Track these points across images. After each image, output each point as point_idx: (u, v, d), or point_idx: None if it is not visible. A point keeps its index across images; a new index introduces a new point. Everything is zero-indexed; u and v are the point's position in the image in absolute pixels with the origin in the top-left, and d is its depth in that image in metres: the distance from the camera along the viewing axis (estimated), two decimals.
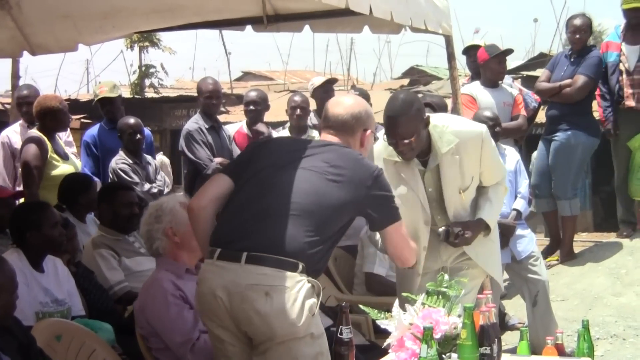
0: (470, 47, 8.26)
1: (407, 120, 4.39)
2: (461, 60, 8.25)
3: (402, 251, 3.95)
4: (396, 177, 4.59)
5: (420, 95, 8.26)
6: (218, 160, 6.97)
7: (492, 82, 7.63)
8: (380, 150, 4.62)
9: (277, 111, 8.45)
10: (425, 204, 4.65)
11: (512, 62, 8.24)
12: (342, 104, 4.05)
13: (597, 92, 8.12)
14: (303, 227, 3.62)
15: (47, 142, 6.64)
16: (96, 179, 7.12)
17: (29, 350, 3.44)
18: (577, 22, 8.05)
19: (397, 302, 3.52)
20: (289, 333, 3.56)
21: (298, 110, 7.57)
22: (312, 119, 7.68)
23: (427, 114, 4.47)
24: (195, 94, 7.92)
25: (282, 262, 3.57)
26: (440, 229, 4.61)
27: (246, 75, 23.20)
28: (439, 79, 16.06)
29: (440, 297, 3.52)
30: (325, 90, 7.74)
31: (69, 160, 6.88)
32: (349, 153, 3.86)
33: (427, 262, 4.70)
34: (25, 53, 6.67)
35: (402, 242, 3.93)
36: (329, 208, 3.68)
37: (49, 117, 6.73)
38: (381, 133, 4.60)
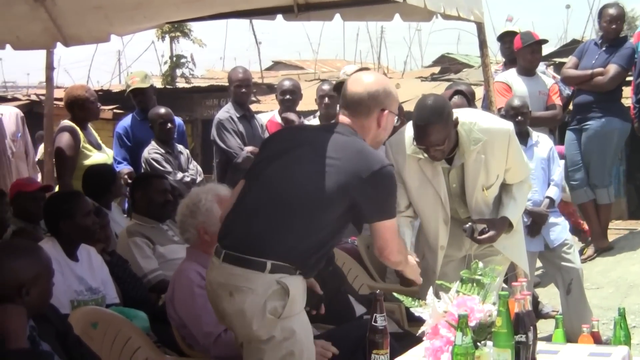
0: (505, 33, 8.19)
1: (439, 128, 4.33)
2: (492, 48, 8.19)
3: (389, 246, 3.78)
4: (419, 174, 4.60)
5: (450, 83, 8.25)
6: (249, 149, 6.97)
7: (526, 71, 7.58)
8: (405, 145, 4.57)
9: (307, 100, 8.44)
10: (446, 203, 4.63)
11: (544, 49, 8.14)
12: (360, 81, 3.84)
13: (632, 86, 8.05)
14: (278, 223, 3.59)
15: (80, 132, 6.69)
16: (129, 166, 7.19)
17: (66, 338, 3.49)
18: (613, 11, 7.96)
19: (431, 289, 3.51)
20: (246, 335, 3.61)
21: (326, 99, 7.55)
22: None
23: (455, 115, 4.42)
24: (226, 84, 7.94)
25: (250, 261, 3.56)
26: (466, 225, 4.59)
27: (277, 65, 23.16)
28: (470, 66, 15.95)
29: (474, 284, 3.50)
30: None
31: (101, 149, 6.94)
32: (350, 142, 3.69)
33: (450, 249, 4.73)
34: (59, 44, 6.73)
35: (391, 238, 3.77)
36: (313, 200, 3.59)
37: (76, 107, 6.78)
38: (408, 129, 4.57)
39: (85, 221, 4.72)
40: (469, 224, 4.59)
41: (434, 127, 4.31)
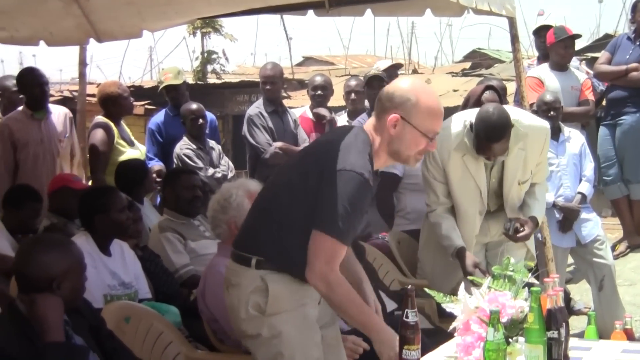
0: (542, 27, 8.14)
1: (505, 141, 4.62)
2: (524, 43, 8.15)
3: (312, 263, 3.39)
4: (461, 168, 4.79)
5: (481, 79, 8.23)
6: (278, 144, 6.98)
7: (559, 66, 7.54)
8: (450, 142, 4.74)
9: (338, 96, 8.46)
10: (485, 195, 4.86)
11: (576, 44, 8.08)
12: (392, 83, 3.65)
13: None
14: (261, 219, 3.58)
15: (114, 128, 6.73)
16: (160, 162, 7.23)
17: (98, 332, 3.50)
18: None
19: (462, 285, 3.50)
20: (237, 329, 3.65)
21: (353, 95, 7.60)
22: None
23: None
24: (257, 80, 7.96)
25: (238, 256, 3.59)
26: (508, 224, 4.83)
27: (307, 60, 23.20)
28: (502, 61, 15.88)
29: (506, 280, 3.49)
30: (389, 75, 7.67)
31: (134, 146, 6.97)
32: (338, 140, 3.45)
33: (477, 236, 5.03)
34: (92, 40, 6.77)
35: (317, 254, 3.37)
36: (287, 197, 3.49)
37: (109, 104, 6.81)
38: (453, 125, 4.73)
39: (120, 216, 4.76)
40: (511, 222, 4.82)
41: (502, 141, 4.61)
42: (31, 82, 6.55)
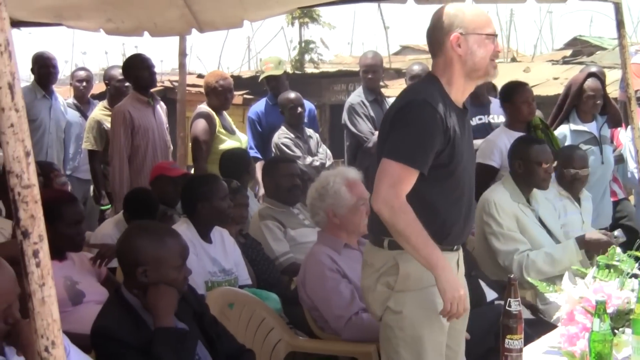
0: None
1: None
2: (627, 29, 7.96)
3: (376, 187, 3.34)
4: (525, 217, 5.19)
5: (583, 67, 8.06)
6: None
7: None
8: (506, 197, 5.19)
9: None
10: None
11: None
12: (429, 23, 3.50)
13: None
14: None
15: (216, 117, 6.81)
16: (258, 154, 7.30)
17: (202, 318, 3.53)
18: None
19: (566, 274, 3.46)
20: (369, 310, 3.65)
21: None
22: None
23: None
24: (354, 69, 7.97)
25: (373, 237, 3.58)
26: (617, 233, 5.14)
27: (404, 49, 23.01)
28: (604, 49, 15.51)
29: (611, 270, 3.43)
30: None
31: (235, 135, 7.05)
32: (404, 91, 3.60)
33: None
34: (194, 30, 6.85)
35: (381, 180, 3.32)
36: None
37: (210, 94, 6.90)
38: None
39: (222, 204, 4.83)
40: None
41: None
42: (140, 65, 6.59)
